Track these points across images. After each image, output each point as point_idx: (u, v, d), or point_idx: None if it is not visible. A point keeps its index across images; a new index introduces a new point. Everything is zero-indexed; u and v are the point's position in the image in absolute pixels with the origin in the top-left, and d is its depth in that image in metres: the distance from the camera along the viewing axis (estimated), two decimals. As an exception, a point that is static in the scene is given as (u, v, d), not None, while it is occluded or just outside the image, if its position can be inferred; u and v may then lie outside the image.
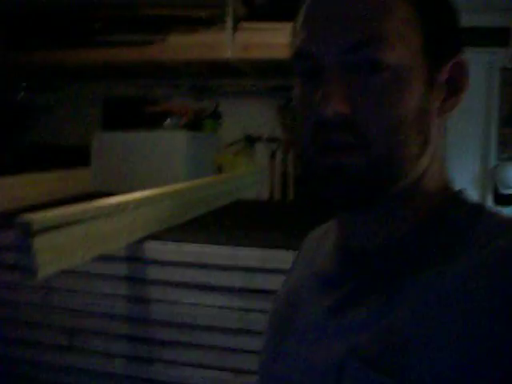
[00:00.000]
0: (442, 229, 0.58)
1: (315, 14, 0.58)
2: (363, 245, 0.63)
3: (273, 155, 3.89)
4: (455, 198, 0.62)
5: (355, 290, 0.60)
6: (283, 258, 1.67)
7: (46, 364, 1.90)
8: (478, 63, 2.39)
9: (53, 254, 1.34)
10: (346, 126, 0.55)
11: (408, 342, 0.51)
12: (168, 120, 3.40)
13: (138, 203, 1.76)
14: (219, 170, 3.59)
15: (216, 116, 3.83)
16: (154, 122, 3.43)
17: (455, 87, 0.60)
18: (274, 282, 1.67)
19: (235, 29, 3.14)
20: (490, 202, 3.22)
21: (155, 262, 1.77)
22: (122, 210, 1.65)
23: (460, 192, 0.63)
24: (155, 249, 1.76)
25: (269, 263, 1.68)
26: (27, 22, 3.36)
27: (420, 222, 0.60)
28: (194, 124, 3.53)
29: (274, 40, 3.09)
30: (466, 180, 2.62)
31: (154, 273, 1.77)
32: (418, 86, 0.56)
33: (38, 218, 1.30)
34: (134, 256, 1.78)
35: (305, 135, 0.59)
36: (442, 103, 0.59)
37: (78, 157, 3.30)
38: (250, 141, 3.85)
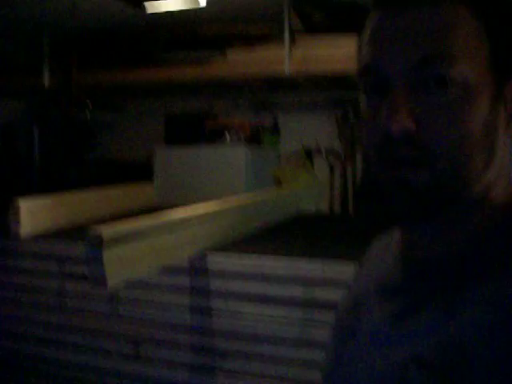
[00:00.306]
0: (506, 242, 0.58)
1: (382, 29, 0.59)
2: (426, 254, 0.63)
3: (331, 168, 3.88)
4: None
5: (417, 299, 0.60)
6: (343, 269, 1.67)
7: (113, 372, 1.95)
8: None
9: (121, 266, 1.39)
10: (412, 142, 0.55)
11: (469, 352, 0.51)
12: (228, 135, 3.45)
13: (201, 217, 1.80)
14: (278, 183, 3.61)
15: (275, 130, 3.86)
16: (214, 137, 3.49)
17: None
18: (335, 294, 1.67)
19: (293, 43, 3.17)
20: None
21: (217, 274, 1.79)
22: (185, 223, 1.70)
23: None
24: (217, 261, 1.79)
25: (329, 274, 1.68)
26: (92, 44, 3.50)
27: (484, 235, 0.59)
28: (254, 138, 3.57)
29: (331, 53, 3.10)
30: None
31: (216, 284, 1.79)
32: (485, 102, 0.56)
33: (108, 230, 1.36)
34: (196, 267, 1.81)
35: (371, 150, 0.60)
36: (510, 118, 0.59)
37: (142, 172, 3.40)
38: (309, 154, 3.85)
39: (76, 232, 2.18)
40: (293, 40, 3.16)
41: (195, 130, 3.63)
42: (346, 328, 0.71)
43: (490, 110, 0.56)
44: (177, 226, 1.66)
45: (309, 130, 3.87)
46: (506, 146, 0.60)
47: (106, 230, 1.36)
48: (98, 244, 1.33)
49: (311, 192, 3.34)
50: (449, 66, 0.55)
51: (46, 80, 3.65)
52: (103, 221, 2.44)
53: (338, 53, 3.08)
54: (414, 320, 0.58)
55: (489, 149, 0.57)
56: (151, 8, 2.25)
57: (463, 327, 0.53)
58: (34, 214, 2.18)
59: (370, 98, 0.60)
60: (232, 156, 3.23)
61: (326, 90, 3.77)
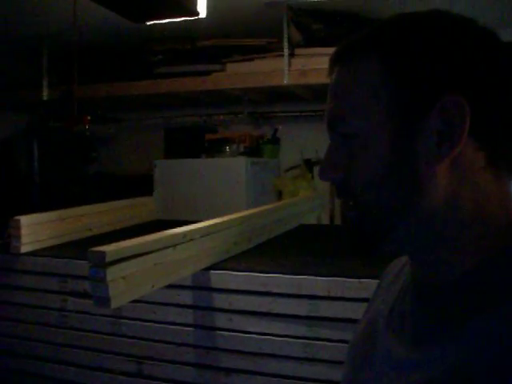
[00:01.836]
0: (509, 266, 0.57)
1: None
2: (432, 281, 0.64)
3: (332, 179, 3.88)
4: None
5: (428, 325, 0.61)
6: (348, 286, 1.66)
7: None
8: None
9: (125, 285, 1.38)
10: (342, 187, 0.66)
11: (478, 379, 0.51)
12: (228, 147, 3.45)
13: (204, 232, 1.79)
14: (279, 194, 3.61)
15: (275, 141, 3.87)
16: (214, 149, 3.49)
17: (447, 131, 0.59)
18: (339, 311, 1.65)
19: (292, 55, 3.18)
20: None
21: (221, 291, 1.78)
22: (189, 239, 1.69)
23: None
24: (221, 278, 1.78)
25: (334, 292, 1.67)
26: (91, 56, 3.50)
27: (485, 259, 0.59)
28: (254, 150, 3.57)
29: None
30: None
31: (219, 301, 1.78)
32: (385, 143, 0.61)
33: (111, 249, 1.35)
34: (200, 285, 1.80)
35: None
36: (437, 149, 0.59)
37: (142, 185, 3.39)
38: (309, 165, 3.85)
39: (77, 248, 2.17)
40: (292, 52, 3.17)
41: (195, 142, 3.63)
42: (362, 350, 0.72)
43: (396, 148, 0.61)
44: (180, 243, 1.65)
45: (308, 140, 3.87)
46: (453, 174, 0.61)
47: (109, 250, 1.35)
48: (102, 264, 1.32)
49: (312, 203, 3.33)
50: (346, 124, 0.65)
51: (46, 94, 3.65)
52: (104, 237, 2.44)
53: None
54: (425, 346, 0.59)
55: (411, 182, 0.61)
56: (151, 21, 2.25)
57: (471, 355, 0.53)
58: (34, 230, 2.17)
59: None
60: (232, 168, 3.23)
61: (324, 101, 3.78)
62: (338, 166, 0.66)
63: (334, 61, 0.69)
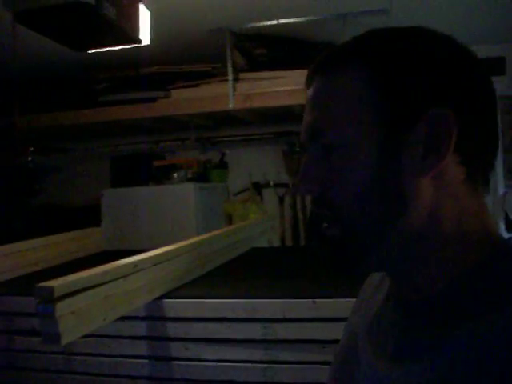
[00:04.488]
0: (488, 279, 0.58)
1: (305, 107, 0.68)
2: (410, 296, 0.64)
3: (281, 200, 3.90)
4: (502, 247, 0.61)
5: (407, 340, 0.60)
6: (303, 307, 1.66)
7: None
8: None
9: (75, 320, 1.33)
10: (322, 201, 0.63)
11: None
12: (176, 173, 3.43)
13: (155, 261, 1.76)
14: (229, 218, 3.60)
15: (223, 166, 3.87)
16: (161, 176, 3.46)
17: (434, 143, 0.59)
18: (295, 333, 1.65)
19: (236, 80, 3.20)
20: (501, 231, 3.20)
21: (175, 319, 1.75)
22: (139, 269, 1.65)
23: (509, 240, 0.63)
24: (174, 306, 1.75)
25: (289, 313, 1.67)
26: (31, 86, 3.42)
27: (464, 273, 0.60)
28: (202, 175, 3.56)
29: (273, 88, 3.15)
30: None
31: (174, 330, 1.75)
32: (370, 157, 0.60)
33: (59, 284, 1.30)
34: (153, 314, 1.77)
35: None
36: (422, 163, 0.59)
37: (89, 216, 3.32)
38: (258, 188, 3.87)
39: (23, 284, 2.09)
40: (236, 77, 3.19)
41: (142, 170, 3.59)
42: (343, 367, 0.72)
43: (382, 159, 0.60)
44: (131, 273, 1.61)
45: (256, 163, 3.90)
46: (436, 187, 0.60)
47: (57, 284, 1.31)
48: (50, 300, 1.27)
49: (263, 226, 3.34)
50: (328, 136, 0.62)
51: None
52: (50, 271, 2.36)
53: (280, 88, 3.13)
54: (406, 361, 0.58)
55: (396, 195, 0.60)
56: (94, 50, 2.22)
57: (452, 367, 0.53)
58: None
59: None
60: (181, 194, 3.20)
61: (270, 123, 3.82)
62: (316, 180, 0.63)
63: (314, 71, 0.66)
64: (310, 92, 0.66)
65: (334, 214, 0.62)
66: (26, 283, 2.05)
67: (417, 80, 0.59)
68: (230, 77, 3.16)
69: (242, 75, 3.22)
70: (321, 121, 0.63)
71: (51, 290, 1.27)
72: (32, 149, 3.42)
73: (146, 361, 1.77)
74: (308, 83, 0.67)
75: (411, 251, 0.62)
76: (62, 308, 1.30)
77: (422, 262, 0.62)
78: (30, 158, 3.39)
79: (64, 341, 1.31)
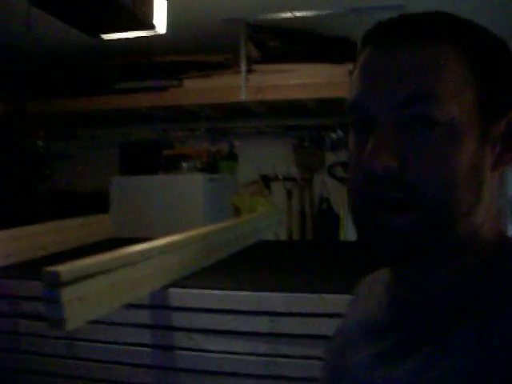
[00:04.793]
0: (493, 281, 0.57)
1: (370, 66, 0.59)
2: (412, 295, 0.62)
3: (289, 194, 3.89)
4: (509, 250, 0.60)
5: (404, 340, 0.59)
6: (307, 301, 1.65)
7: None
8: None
9: (81, 305, 1.33)
10: (396, 182, 0.55)
11: None
12: (185, 163, 3.42)
13: (162, 250, 1.76)
14: (236, 211, 3.59)
15: (232, 157, 3.86)
16: (170, 165, 3.45)
17: (510, 142, 0.58)
18: (300, 327, 1.64)
19: (249, 72, 3.19)
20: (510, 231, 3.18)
21: (180, 309, 1.75)
22: (146, 257, 1.65)
23: None
24: (180, 296, 1.75)
25: (294, 307, 1.66)
26: (44, 72, 3.43)
27: (471, 274, 0.58)
28: (211, 166, 3.55)
29: (286, 81, 3.14)
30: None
31: (179, 320, 1.75)
32: (471, 142, 0.56)
33: (66, 269, 1.30)
34: (158, 304, 1.76)
35: (354, 188, 0.59)
36: (497, 158, 0.58)
37: (97, 203, 3.32)
38: (266, 181, 3.86)
39: (30, 268, 2.10)
40: (249, 69, 3.18)
41: (151, 158, 3.59)
42: (336, 366, 0.70)
43: (476, 151, 0.56)
44: (138, 261, 1.61)
45: (266, 156, 3.88)
46: (493, 185, 0.59)
47: (64, 270, 1.30)
48: (56, 285, 1.27)
49: (270, 219, 3.33)
50: (434, 106, 0.54)
51: (-1, 109, 3.55)
52: (58, 256, 2.36)
53: (293, 81, 3.11)
54: (401, 361, 0.57)
55: (475, 190, 0.57)
56: (108, 35, 2.21)
57: (452, 368, 0.51)
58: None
59: (356, 134, 0.60)
60: (190, 184, 3.20)
61: (282, 116, 3.81)
62: (395, 156, 0.54)
63: (396, 39, 0.57)
64: (386, 59, 0.57)
65: (411, 198, 0.54)
66: (33, 267, 2.05)
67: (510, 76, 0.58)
68: (243, 68, 3.15)
69: (254, 67, 3.21)
70: (421, 90, 0.54)
71: (58, 274, 1.27)
72: (42, 134, 3.42)
73: (149, 349, 1.77)
74: (386, 48, 0.58)
75: (458, 247, 0.59)
76: (68, 293, 1.30)
77: (449, 258, 0.59)
78: (40, 143, 3.39)
79: (69, 326, 1.31)
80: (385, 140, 0.55)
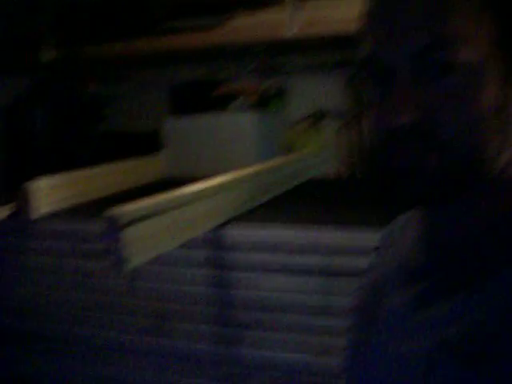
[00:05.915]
0: None
1: (382, 15, 0.57)
2: (448, 237, 0.61)
3: (339, 131, 3.84)
4: None
5: (440, 283, 0.59)
6: (361, 236, 1.65)
7: (135, 347, 1.96)
8: None
9: (141, 245, 1.38)
10: (420, 133, 0.54)
11: (499, 338, 0.49)
12: (235, 101, 3.40)
13: (218, 188, 1.78)
14: (289, 148, 3.57)
15: (281, 94, 3.81)
16: (220, 104, 3.44)
17: None
18: (353, 261, 1.65)
19: (296, 6, 3.10)
20: None
21: (236, 246, 1.78)
22: (203, 196, 1.68)
23: None
24: (235, 233, 1.78)
25: (347, 242, 1.67)
26: (92, 15, 3.42)
27: (503, 218, 0.57)
28: (261, 103, 3.52)
29: (336, 15, 3.04)
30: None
31: (234, 256, 1.78)
32: (493, 84, 0.54)
33: (127, 210, 1.34)
34: (214, 240, 1.80)
35: (376, 141, 0.58)
36: None
37: (148, 144, 3.37)
38: (319, 117, 3.81)
39: (90, 210, 2.17)
40: (296, 3, 3.09)
41: (201, 98, 3.58)
42: (370, 311, 0.70)
43: (500, 92, 0.54)
44: (194, 200, 1.64)
45: (317, 92, 3.81)
46: None
47: (125, 210, 1.34)
48: (118, 225, 1.31)
49: (322, 156, 3.31)
50: (452, 51, 0.52)
51: (48, 55, 3.58)
52: (115, 197, 2.43)
53: (340, 14, 3.01)
54: (437, 304, 0.57)
55: (502, 130, 0.55)
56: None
57: (493, 313, 0.51)
58: (43, 194, 2.16)
59: (375, 86, 0.58)
60: (240, 122, 3.19)
61: (331, 51, 3.71)
62: (418, 105, 0.53)
63: None
64: (398, 6, 0.55)
65: (436, 145, 0.54)
66: (93, 209, 2.12)
67: None
68: (290, 2, 3.06)
69: (301, 1, 3.11)
70: (439, 36, 0.53)
71: (119, 215, 1.31)
72: (95, 78, 3.45)
73: (206, 284, 1.82)
74: None
75: (491, 187, 0.58)
76: (129, 234, 1.34)
77: (481, 201, 0.59)
78: (92, 87, 3.43)
79: (130, 265, 1.36)
80: (405, 92, 0.54)
